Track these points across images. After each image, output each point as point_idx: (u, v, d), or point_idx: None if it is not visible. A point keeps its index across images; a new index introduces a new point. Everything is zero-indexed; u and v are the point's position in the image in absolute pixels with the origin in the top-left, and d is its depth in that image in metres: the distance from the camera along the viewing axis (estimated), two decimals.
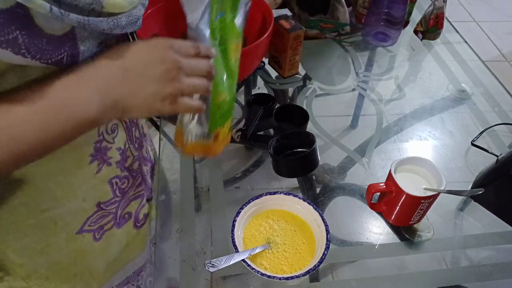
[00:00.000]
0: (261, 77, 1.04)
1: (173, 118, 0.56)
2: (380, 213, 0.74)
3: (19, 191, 0.48)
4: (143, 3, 0.48)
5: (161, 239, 0.70)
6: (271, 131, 0.89)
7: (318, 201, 0.77)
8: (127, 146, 0.59)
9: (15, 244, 0.52)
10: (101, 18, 0.40)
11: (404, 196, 0.66)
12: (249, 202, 0.66)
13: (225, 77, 0.55)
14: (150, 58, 0.44)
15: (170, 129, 0.86)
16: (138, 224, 0.68)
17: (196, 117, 0.58)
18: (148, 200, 0.69)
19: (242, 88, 1.02)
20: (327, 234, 0.63)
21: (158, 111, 0.45)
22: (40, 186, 0.49)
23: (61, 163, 0.48)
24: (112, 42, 0.49)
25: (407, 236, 0.72)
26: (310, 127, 0.90)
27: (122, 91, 0.42)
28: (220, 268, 0.57)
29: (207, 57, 0.49)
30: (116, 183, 0.59)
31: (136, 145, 0.62)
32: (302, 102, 0.97)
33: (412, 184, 0.67)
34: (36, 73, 0.40)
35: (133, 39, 0.56)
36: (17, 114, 0.38)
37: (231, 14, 0.53)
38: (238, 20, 0.54)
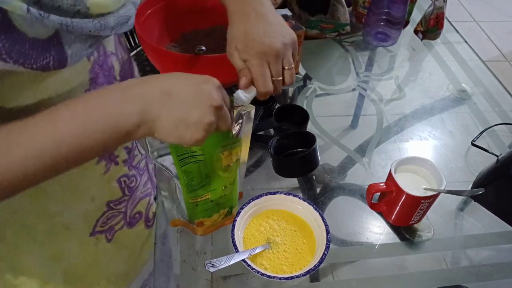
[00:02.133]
0: None
1: None
2: (380, 213, 0.74)
3: (27, 197, 0.48)
4: (134, 2, 0.47)
5: (162, 239, 0.70)
6: (271, 131, 0.89)
7: (318, 201, 0.77)
8: (134, 144, 0.59)
9: (29, 250, 0.51)
10: (86, 20, 0.39)
11: (404, 196, 0.66)
12: (249, 202, 0.66)
13: (204, 181, 0.58)
14: (197, 89, 0.43)
15: None
16: (149, 224, 0.67)
17: (175, 202, 0.62)
18: (155, 198, 0.69)
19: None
20: (327, 234, 0.63)
21: (190, 136, 0.44)
22: (46, 190, 0.49)
23: None
24: (104, 44, 0.48)
25: (407, 236, 0.72)
26: (310, 127, 0.90)
27: (160, 113, 0.41)
28: (220, 268, 0.57)
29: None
30: (125, 181, 0.58)
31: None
32: (302, 102, 0.97)
33: (412, 184, 0.67)
34: (27, 79, 0.39)
35: (129, 39, 0.56)
36: (61, 118, 0.38)
37: None
38: (235, 128, 0.56)
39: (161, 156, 0.55)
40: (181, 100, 0.42)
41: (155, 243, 0.69)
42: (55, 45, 0.38)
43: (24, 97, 0.40)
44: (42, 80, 0.41)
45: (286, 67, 0.57)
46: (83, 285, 0.60)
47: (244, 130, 0.59)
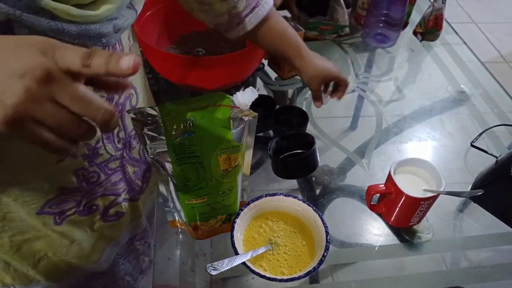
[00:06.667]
0: (260, 78, 1.04)
1: None
2: (379, 215, 0.74)
3: None
4: (115, 24, 0.46)
5: (161, 240, 0.69)
6: (271, 132, 0.89)
7: (317, 202, 0.77)
8: (100, 144, 0.58)
9: None
10: (40, 18, 0.38)
11: (403, 197, 0.66)
12: (248, 203, 0.66)
13: (201, 183, 0.58)
14: (11, 53, 0.32)
15: None
16: (107, 218, 0.67)
17: (172, 203, 0.62)
18: (132, 200, 0.69)
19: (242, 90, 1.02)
20: (326, 236, 0.63)
21: None
22: (2, 157, 0.48)
23: None
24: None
25: (407, 238, 0.72)
26: (309, 129, 0.90)
27: None
28: (222, 271, 0.57)
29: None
30: (84, 175, 0.57)
31: (119, 145, 0.61)
32: (301, 103, 0.97)
33: (412, 185, 0.67)
34: None
35: (106, 48, 0.53)
36: None
37: (219, 130, 0.55)
38: (235, 132, 0.56)
39: (158, 153, 0.55)
40: None
41: (154, 245, 0.69)
42: (5, 32, 0.38)
43: None
44: None
45: None
46: (29, 250, 0.60)
47: (246, 140, 0.59)
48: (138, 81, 0.65)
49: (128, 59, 0.34)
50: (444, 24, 1.16)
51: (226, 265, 0.58)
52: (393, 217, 0.71)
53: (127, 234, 0.73)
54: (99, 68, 0.34)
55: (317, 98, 0.83)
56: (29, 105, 0.32)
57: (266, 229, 0.67)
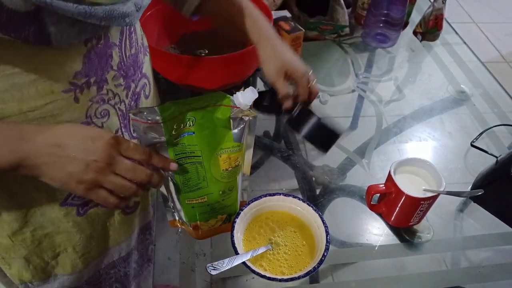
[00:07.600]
0: (260, 78, 1.04)
1: None
2: (380, 214, 0.74)
3: None
4: (136, 2, 0.48)
5: (161, 240, 0.70)
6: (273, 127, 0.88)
7: (318, 202, 0.77)
8: (119, 133, 0.59)
9: (3, 200, 0.54)
10: (68, 3, 0.40)
11: (403, 197, 0.66)
12: (248, 203, 0.66)
13: (201, 183, 0.58)
14: (85, 144, 0.46)
15: None
16: (127, 210, 0.68)
17: (172, 202, 0.62)
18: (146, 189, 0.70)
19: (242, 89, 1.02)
20: (327, 236, 0.63)
21: (72, 190, 0.47)
22: None
23: None
24: (100, 33, 0.49)
25: (407, 237, 0.72)
26: None
27: (47, 162, 0.45)
28: (222, 271, 0.57)
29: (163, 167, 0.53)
30: None
31: (134, 134, 0.62)
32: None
33: (412, 185, 0.67)
34: (18, 47, 0.42)
35: (125, 35, 0.56)
36: None
37: (220, 129, 0.55)
38: (235, 132, 0.56)
39: (157, 152, 0.55)
40: (67, 153, 0.45)
41: (154, 244, 0.69)
42: (35, 21, 0.40)
43: (15, 62, 0.44)
44: (32, 51, 0.44)
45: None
46: (48, 245, 0.62)
47: (247, 140, 0.59)
48: (149, 71, 0.67)
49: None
50: (444, 24, 1.16)
51: (226, 265, 0.58)
52: (393, 217, 0.71)
53: (138, 225, 0.75)
54: (157, 165, 0.52)
55: (286, 96, 0.72)
56: (98, 179, 0.46)
57: (266, 229, 0.67)
